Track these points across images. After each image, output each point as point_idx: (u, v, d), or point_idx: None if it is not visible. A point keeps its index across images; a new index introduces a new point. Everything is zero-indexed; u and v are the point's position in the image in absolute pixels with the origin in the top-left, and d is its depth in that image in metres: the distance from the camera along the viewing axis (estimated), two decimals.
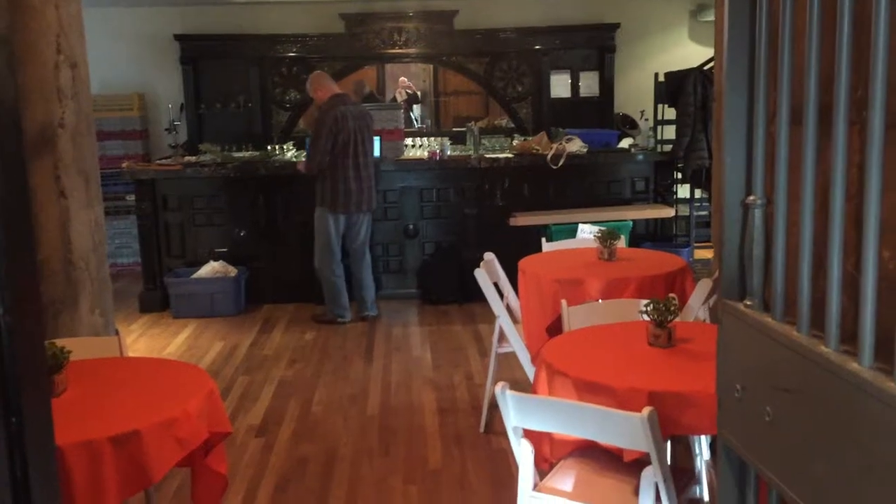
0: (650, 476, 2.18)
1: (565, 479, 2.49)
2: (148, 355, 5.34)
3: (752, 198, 1.32)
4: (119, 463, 2.08)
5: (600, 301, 3.85)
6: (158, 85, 8.28)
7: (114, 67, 8.05)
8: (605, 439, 2.22)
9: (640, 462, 2.25)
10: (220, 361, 5.19)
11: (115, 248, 8.05)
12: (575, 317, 3.15)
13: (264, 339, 5.64)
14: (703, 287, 3.49)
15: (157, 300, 6.41)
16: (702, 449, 2.82)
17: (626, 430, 2.15)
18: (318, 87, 5.82)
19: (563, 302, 3.24)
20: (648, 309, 2.67)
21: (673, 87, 6.58)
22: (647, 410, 2.11)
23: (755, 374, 1.31)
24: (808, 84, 1.19)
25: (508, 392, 2.32)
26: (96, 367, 2.62)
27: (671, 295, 3.32)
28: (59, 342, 2.76)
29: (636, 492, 2.37)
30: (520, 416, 2.33)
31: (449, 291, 6.38)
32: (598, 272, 3.82)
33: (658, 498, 2.22)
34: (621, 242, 4.32)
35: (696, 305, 3.49)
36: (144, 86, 8.25)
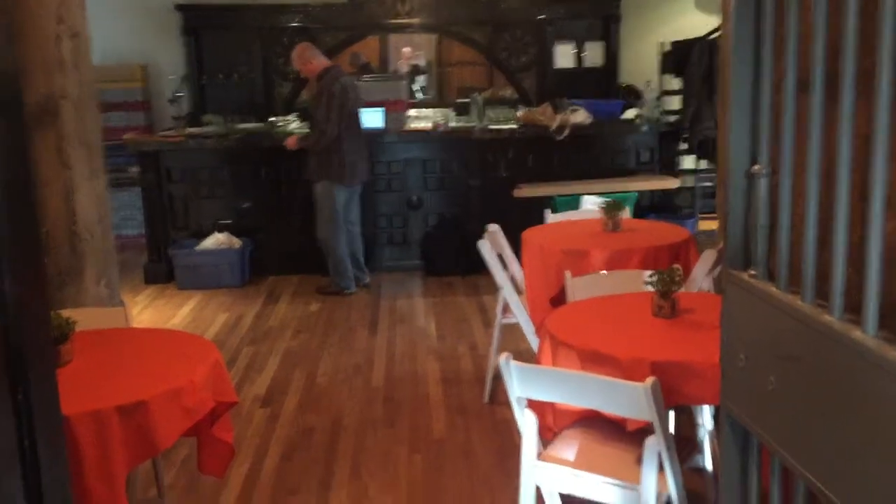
0: (653, 445, 2.19)
1: (568, 448, 2.51)
2: (153, 326, 5.37)
3: (757, 167, 1.32)
4: (126, 432, 2.10)
5: (604, 272, 3.85)
6: (161, 56, 8.23)
7: (116, 38, 7.99)
8: (609, 409, 2.23)
9: (643, 431, 2.26)
10: (225, 332, 5.22)
11: (120, 219, 8.04)
12: (579, 288, 3.16)
13: (269, 311, 5.66)
14: (708, 258, 3.49)
15: (161, 272, 6.43)
16: (704, 419, 2.83)
17: (629, 399, 2.16)
18: (307, 60, 5.77)
19: (567, 273, 3.24)
20: (653, 280, 2.67)
21: (679, 57, 6.53)
22: (650, 380, 2.12)
23: (759, 344, 1.31)
24: (815, 52, 1.18)
25: (512, 362, 2.33)
26: (102, 338, 2.63)
27: (675, 266, 3.33)
28: (65, 313, 2.77)
29: (639, 461, 2.39)
30: (523, 386, 2.34)
31: (452, 263, 6.38)
32: (602, 243, 3.81)
33: (661, 467, 2.24)
34: (626, 213, 4.32)
35: (701, 276, 3.49)
36: (147, 57, 8.20)
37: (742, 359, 1.36)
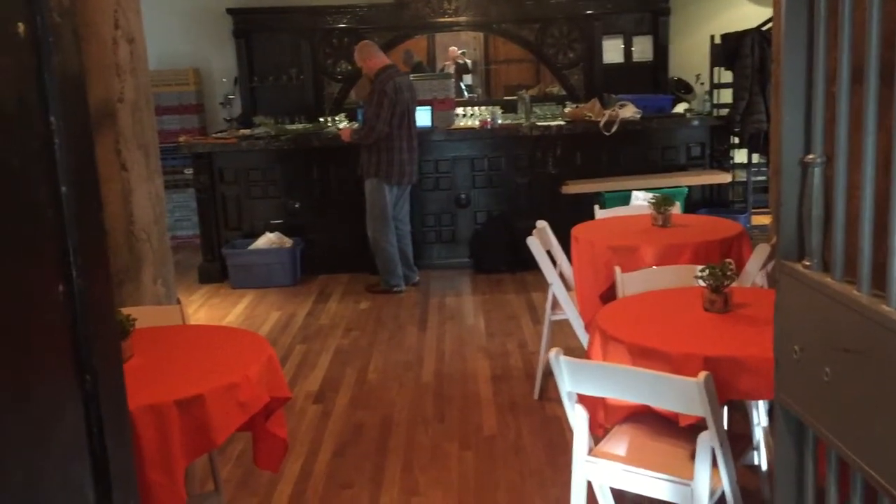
0: (707, 441, 2.18)
1: (620, 444, 2.50)
2: (208, 324, 5.48)
3: (811, 156, 1.30)
4: (184, 426, 2.16)
5: (654, 267, 3.82)
6: (212, 59, 8.38)
7: (169, 43, 8.17)
8: (661, 404, 2.22)
9: (696, 427, 2.25)
10: (278, 330, 5.30)
11: (175, 220, 8.23)
12: (629, 283, 3.14)
13: (320, 309, 5.73)
14: (761, 252, 3.44)
15: (215, 271, 6.56)
16: (759, 415, 2.79)
17: (681, 394, 2.15)
18: (367, 57, 5.83)
19: (617, 268, 3.22)
20: (704, 274, 2.64)
21: (730, 50, 6.43)
22: (703, 375, 2.10)
23: (813, 335, 1.30)
24: (869, 41, 1.16)
25: (563, 357, 2.33)
26: (160, 335, 2.70)
27: (727, 260, 3.29)
28: (125, 310, 2.86)
29: (692, 457, 2.37)
30: (574, 381, 2.34)
31: (501, 260, 6.38)
32: (652, 238, 3.78)
33: (714, 463, 2.22)
34: (676, 208, 4.27)
35: (754, 271, 3.44)
36: (199, 60, 8.36)
37: (797, 351, 1.34)
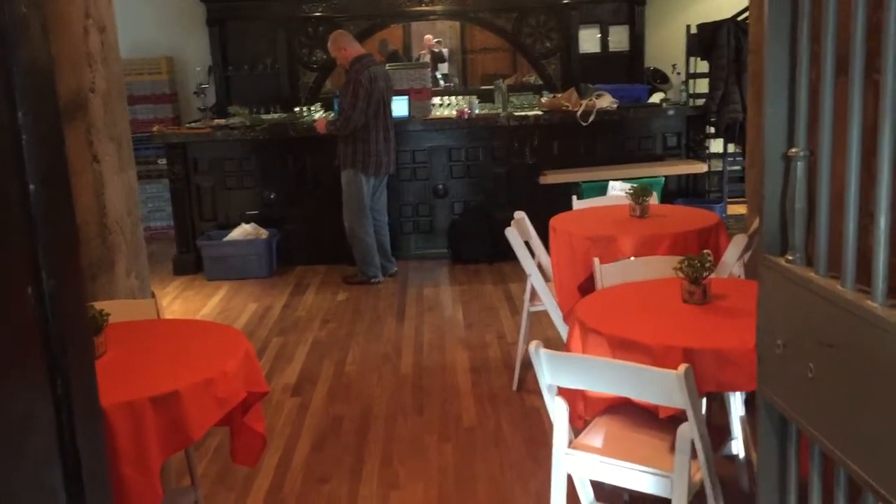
0: (686, 433, 2.18)
1: (600, 436, 2.50)
2: (183, 317, 5.41)
3: (794, 150, 1.29)
4: (160, 422, 2.12)
5: (633, 258, 3.83)
6: (186, 48, 8.27)
7: (142, 31, 8.04)
8: (641, 396, 2.21)
9: (676, 419, 2.25)
10: (254, 323, 5.25)
11: (148, 211, 8.13)
12: (607, 274, 3.14)
13: (297, 301, 5.69)
14: (738, 242, 3.45)
15: (190, 263, 6.49)
16: (736, 405, 2.81)
17: (661, 387, 2.14)
18: (341, 47, 5.78)
19: (596, 259, 3.22)
20: (683, 265, 2.64)
21: (706, 39, 6.45)
22: (683, 367, 2.10)
23: (797, 330, 1.29)
24: (854, 30, 1.15)
25: (542, 350, 2.32)
26: (134, 330, 2.66)
27: (705, 251, 3.29)
28: (98, 305, 2.81)
29: (672, 448, 2.37)
30: (554, 373, 2.33)
31: (479, 251, 6.37)
32: (630, 229, 3.78)
33: (694, 455, 2.22)
34: (653, 199, 4.28)
35: (731, 261, 3.45)
36: (172, 49, 8.25)
37: (779, 345, 1.34)
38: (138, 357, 2.41)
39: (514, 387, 4.02)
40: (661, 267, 3.16)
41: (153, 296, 3.05)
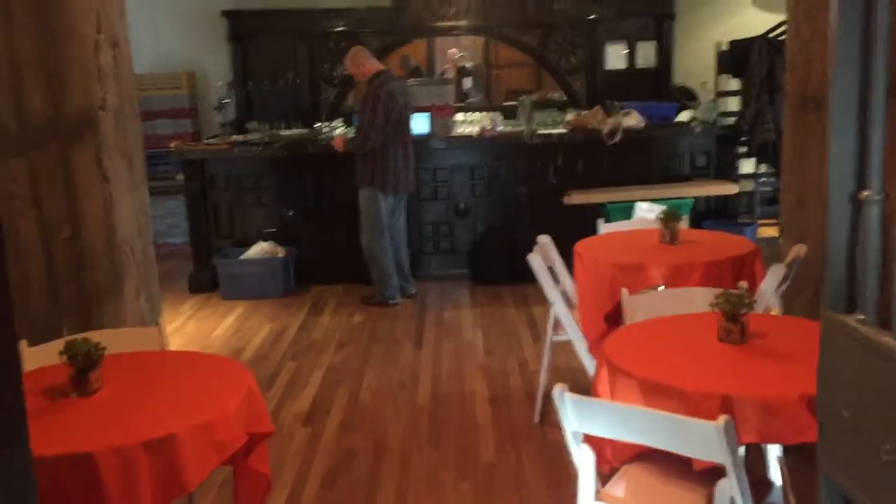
0: (726, 490, 1.99)
1: (629, 487, 2.31)
2: (196, 338, 5.29)
3: (867, 192, 1.11)
4: (153, 470, 1.96)
5: (662, 288, 3.64)
6: (207, 62, 8.19)
7: (163, 46, 7.98)
8: (676, 449, 2.02)
9: (713, 470, 2.06)
10: (268, 345, 5.11)
11: (167, 227, 8.03)
12: (636, 307, 2.95)
13: (313, 322, 5.53)
14: (776, 273, 3.25)
15: (206, 281, 6.36)
16: (774, 447, 2.60)
17: (699, 439, 1.96)
18: (359, 63, 5.65)
19: (624, 291, 3.03)
20: (720, 301, 2.45)
21: (738, 57, 6.25)
22: (723, 419, 1.91)
23: (868, 402, 1.11)
24: None
25: (567, 395, 2.14)
26: (133, 363, 2.51)
27: (742, 284, 3.11)
28: (96, 335, 2.66)
29: (707, 501, 2.18)
30: (580, 421, 2.15)
31: (500, 272, 6.19)
32: (659, 256, 3.60)
33: None
34: (684, 224, 4.09)
35: (768, 293, 3.25)
36: (193, 64, 8.17)
37: (846, 417, 1.15)
38: (133, 394, 2.25)
39: (536, 419, 3.83)
40: (694, 299, 2.97)
41: (157, 324, 2.90)
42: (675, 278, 3.45)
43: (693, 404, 2.11)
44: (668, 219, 3.81)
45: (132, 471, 1.94)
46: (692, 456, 2.03)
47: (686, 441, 1.99)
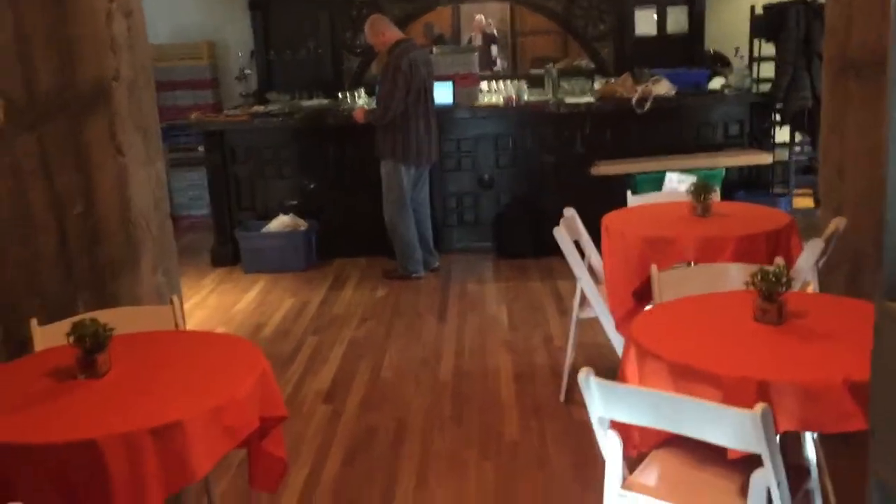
0: (762, 481, 1.87)
1: (658, 474, 2.20)
2: (218, 312, 5.24)
3: None
4: (161, 457, 1.88)
5: (692, 264, 3.50)
6: (228, 32, 8.08)
7: (182, 15, 7.88)
8: (708, 438, 1.91)
9: (747, 458, 1.95)
10: (290, 319, 5.04)
11: (189, 199, 8.00)
12: (667, 284, 2.82)
13: (335, 296, 5.46)
14: (814, 248, 3.10)
15: (228, 254, 6.30)
16: (809, 436, 2.48)
17: (734, 428, 1.84)
18: (379, 32, 5.50)
19: (654, 267, 2.89)
20: (756, 279, 2.32)
21: (773, 22, 6.02)
22: (760, 407, 1.79)
23: None
24: None
25: (593, 379, 2.03)
26: (144, 343, 2.44)
27: (778, 260, 2.96)
28: (107, 314, 2.60)
29: (741, 491, 2.07)
30: (607, 406, 2.04)
31: (525, 244, 6.06)
32: (691, 230, 3.45)
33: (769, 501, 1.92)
34: (716, 195, 3.93)
35: (806, 269, 3.10)
36: (214, 33, 8.07)
37: None
38: (142, 378, 2.18)
39: (562, 397, 3.73)
40: (728, 276, 2.84)
41: (172, 302, 2.82)
42: (707, 253, 3.31)
43: (727, 390, 1.99)
44: (700, 190, 3.66)
45: (139, 459, 1.86)
46: (726, 445, 1.91)
47: (720, 430, 1.87)
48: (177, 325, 2.72)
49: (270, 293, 5.60)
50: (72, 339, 2.17)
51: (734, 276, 2.83)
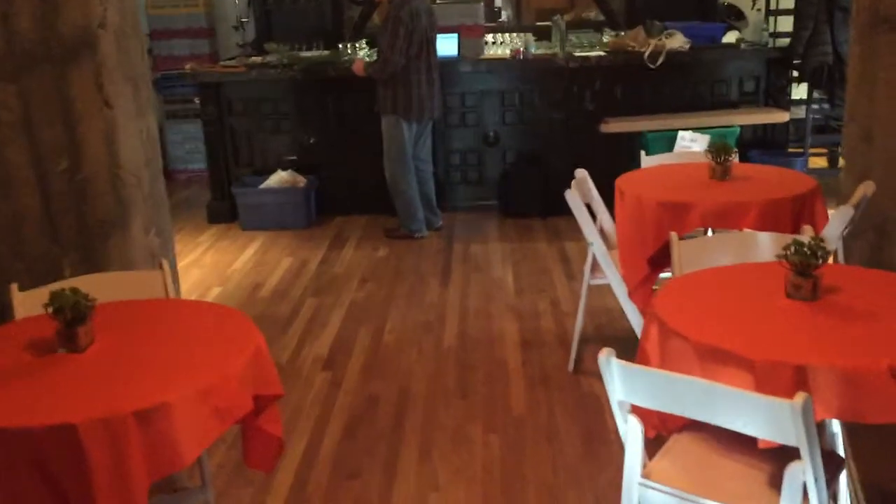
0: (798, 475, 1.73)
1: (679, 461, 2.06)
2: (215, 272, 5.08)
3: None
4: (146, 442, 1.74)
5: (710, 232, 3.34)
6: None
7: None
8: (740, 428, 1.76)
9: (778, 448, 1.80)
10: (289, 280, 4.88)
11: (185, 152, 7.79)
12: (687, 254, 2.65)
13: (335, 256, 5.30)
14: (843, 215, 2.93)
15: (225, 210, 6.13)
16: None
17: (770, 418, 1.69)
18: None
19: (673, 235, 2.72)
20: (789, 251, 2.15)
21: None
22: (801, 397, 1.64)
23: None
24: None
25: (614, 361, 1.87)
26: (131, 314, 2.28)
27: (807, 228, 2.81)
28: (93, 280, 2.45)
29: (772, 482, 1.93)
30: (628, 390, 1.89)
31: (532, 204, 5.88)
32: (709, 194, 3.27)
33: (804, 494, 1.77)
34: (735, 157, 3.74)
35: (834, 238, 2.93)
36: None
37: None
38: (127, 353, 2.02)
39: (570, 367, 3.59)
40: (752, 245, 2.68)
41: (161, 267, 2.65)
42: (727, 219, 3.14)
43: (760, 375, 1.84)
44: (719, 152, 3.46)
45: (122, 444, 1.71)
46: (763, 437, 1.76)
47: (754, 420, 1.72)
48: (167, 292, 2.56)
49: (268, 252, 5.43)
50: (50, 310, 2.00)
51: (760, 245, 2.67)
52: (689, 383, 1.79)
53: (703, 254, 2.67)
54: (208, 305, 2.44)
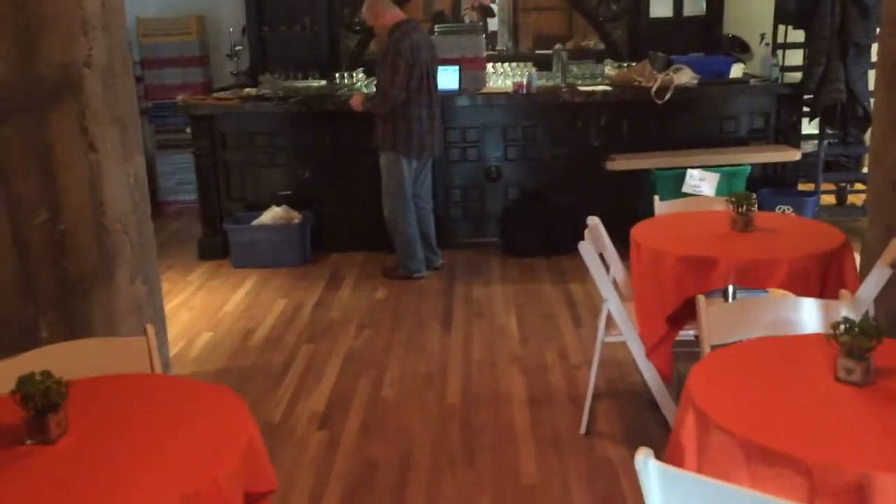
0: None
1: None
2: (205, 315, 4.86)
3: None
4: None
5: (743, 298, 3.13)
6: (218, 6, 7.60)
7: None
8: None
9: None
10: (282, 325, 4.66)
11: (175, 183, 7.58)
12: (717, 323, 2.44)
13: (331, 297, 5.08)
14: (879, 276, 2.74)
15: (216, 247, 5.91)
16: None
17: None
18: (378, 14, 5.06)
19: (700, 299, 2.50)
20: (838, 332, 1.95)
21: (805, 7, 5.59)
22: None
23: None
24: None
25: (653, 463, 1.65)
26: (110, 394, 2.05)
27: (845, 293, 2.60)
28: (68, 349, 2.24)
29: None
30: (668, 498, 1.67)
31: (534, 242, 5.67)
32: (733, 249, 3.08)
33: None
34: (755, 206, 3.55)
35: (869, 299, 2.74)
36: (204, 7, 7.59)
37: None
38: (103, 447, 1.79)
39: (583, 429, 3.37)
40: (788, 311, 2.47)
41: (146, 333, 2.43)
42: (755, 277, 2.95)
43: (817, 480, 1.63)
44: (741, 201, 3.27)
45: None
46: None
47: None
48: (152, 364, 2.33)
49: (261, 292, 5.21)
50: (18, 398, 1.78)
51: (798, 311, 2.46)
52: (743, 497, 1.58)
53: (733, 321, 2.47)
54: (196, 385, 2.21)
